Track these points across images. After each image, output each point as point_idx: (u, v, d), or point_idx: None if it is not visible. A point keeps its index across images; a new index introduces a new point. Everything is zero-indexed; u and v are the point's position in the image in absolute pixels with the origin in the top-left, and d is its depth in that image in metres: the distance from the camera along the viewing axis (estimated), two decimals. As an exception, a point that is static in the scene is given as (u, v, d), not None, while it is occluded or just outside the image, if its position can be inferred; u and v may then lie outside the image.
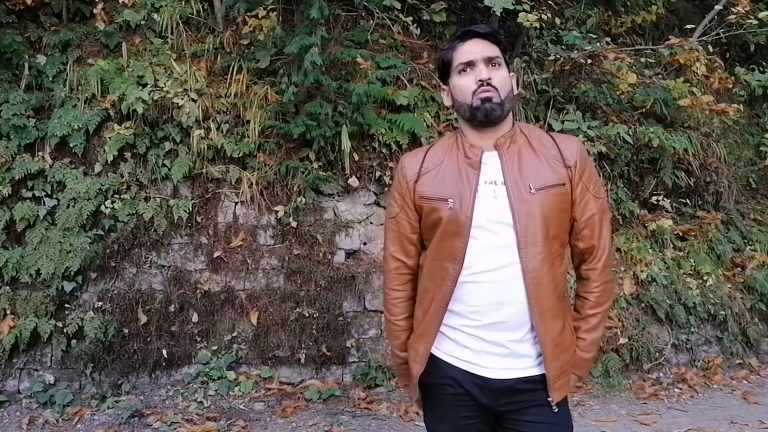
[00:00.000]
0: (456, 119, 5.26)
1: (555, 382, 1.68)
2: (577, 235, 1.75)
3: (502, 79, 1.71)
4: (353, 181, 4.97)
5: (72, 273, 4.35)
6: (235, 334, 4.56)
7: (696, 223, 5.96)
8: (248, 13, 4.91)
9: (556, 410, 1.68)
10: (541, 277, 1.64)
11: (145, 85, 4.73)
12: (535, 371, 1.68)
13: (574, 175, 1.71)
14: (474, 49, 1.71)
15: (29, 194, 4.62)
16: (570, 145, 1.75)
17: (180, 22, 5.08)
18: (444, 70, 1.79)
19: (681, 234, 5.82)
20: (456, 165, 1.72)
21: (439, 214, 1.69)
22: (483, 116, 1.69)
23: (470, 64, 1.71)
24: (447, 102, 1.82)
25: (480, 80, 1.68)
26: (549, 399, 1.68)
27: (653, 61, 6.26)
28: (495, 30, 1.76)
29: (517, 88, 1.82)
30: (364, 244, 5.00)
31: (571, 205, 1.72)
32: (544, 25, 5.39)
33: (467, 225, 1.66)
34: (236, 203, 4.84)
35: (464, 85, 1.71)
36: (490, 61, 1.70)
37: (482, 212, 1.66)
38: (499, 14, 4.96)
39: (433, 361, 1.75)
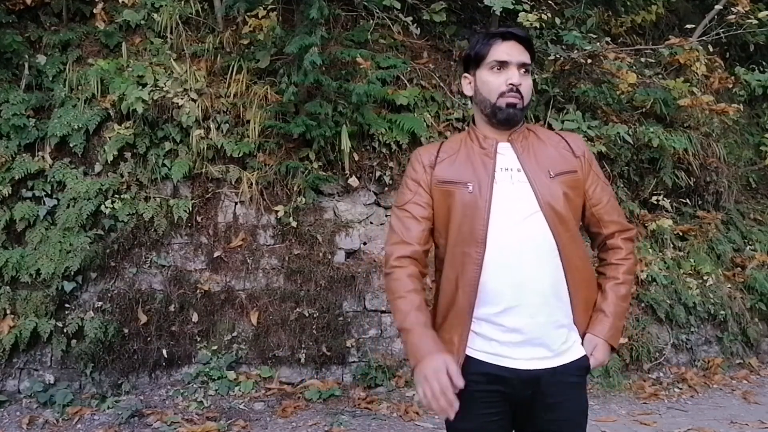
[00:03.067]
0: (456, 119, 5.31)
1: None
2: (599, 222, 1.83)
3: (528, 88, 1.79)
4: (353, 181, 4.97)
5: (72, 273, 4.35)
6: (235, 334, 4.56)
7: (696, 222, 5.97)
8: (248, 13, 4.91)
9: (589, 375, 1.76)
10: (572, 252, 1.73)
11: (145, 85, 4.72)
12: (558, 360, 1.71)
13: (584, 164, 1.82)
14: (512, 52, 1.77)
15: (29, 194, 4.62)
16: (576, 139, 1.88)
17: (180, 21, 5.08)
18: (473, 61, 1.82)
19: (681, 234, 5.82)
20: (472, 154, 1.79)
21: (455, 197, 1.74)
22: (504, 118, 1.77)
23: (505, 65, 1.76)
24: (467, 91, 1.86)
25: (511, 84, 1.75)
26: (589, 366, 1.76)
27: (653, 60, 6.26)
28: (531, 37, 1.84)
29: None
30: (364, 243, 5.00)
31: (584, 192, 1.81)
32: (544, 24, 5.39)
33: (486, 208, 1.71)
34: (236, 203, 4.84)
35: (493, 83, 1.77)
36: (523, 67, 1.77)
37: (501, 196, 1.73)
38: (499, 14, 4.96)
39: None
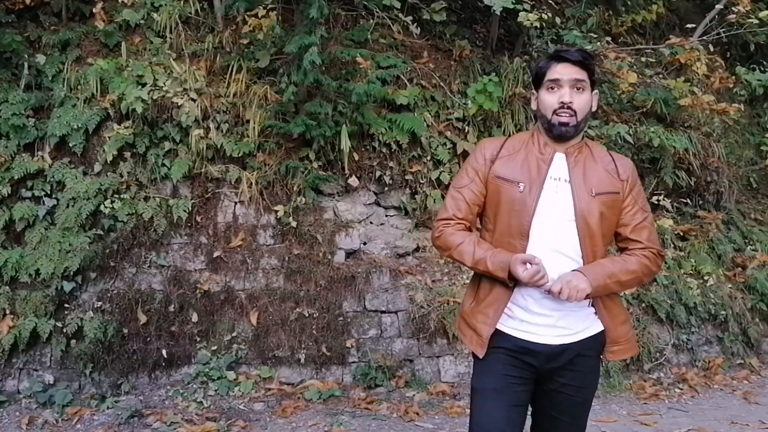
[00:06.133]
0: (456, 119, 5.30)
1: (612, 345, 2.06)
2: (626, 240, 2.06)
3: (583, 103, 2.00)
4: (353, 181, 4.96)
5: (71, 273, 4.34)
6: (234, 334, 4.55)
7: (697, 222, 5.95)
8: (248, 13, 4.91)
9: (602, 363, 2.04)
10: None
11: (144, 85, 4.71)
12: (575, 337, 2.00)
13: (626, 188, 2.04)
14: (564, 71, 1.98)
15: (29, 194, 4.61)
16: (625, 164, 2.10)
17: (179, 21, 5.07)
18: (536, 81, 2.08)
19: (682, 234, 5.81)
20: (530, 157, 2.03)
21: (506, 194, 2.00)
22: (557, 134, 2.01)
23: (558, 83, 1.99)
24: (533, 106, 2.11)
25: (562, 102, 1.97)
26: (602, 357, 2.08)
27: (654, 60, 6.26)
28: (585, 56, 2.02)
29: (596, 105, 2.13)
30: (364, 243, 4.99)
31: (620, 213, 2.04)
32: (544, 24, 5.38)
33: (533, 207, 1.96)
34: (236, 203, 4.83)
35: (548, 101, 2.01)
36: (576, 83, 1.98)
37: (545, 200, 1.98)
38: (499, 13, 4.95)
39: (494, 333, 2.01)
